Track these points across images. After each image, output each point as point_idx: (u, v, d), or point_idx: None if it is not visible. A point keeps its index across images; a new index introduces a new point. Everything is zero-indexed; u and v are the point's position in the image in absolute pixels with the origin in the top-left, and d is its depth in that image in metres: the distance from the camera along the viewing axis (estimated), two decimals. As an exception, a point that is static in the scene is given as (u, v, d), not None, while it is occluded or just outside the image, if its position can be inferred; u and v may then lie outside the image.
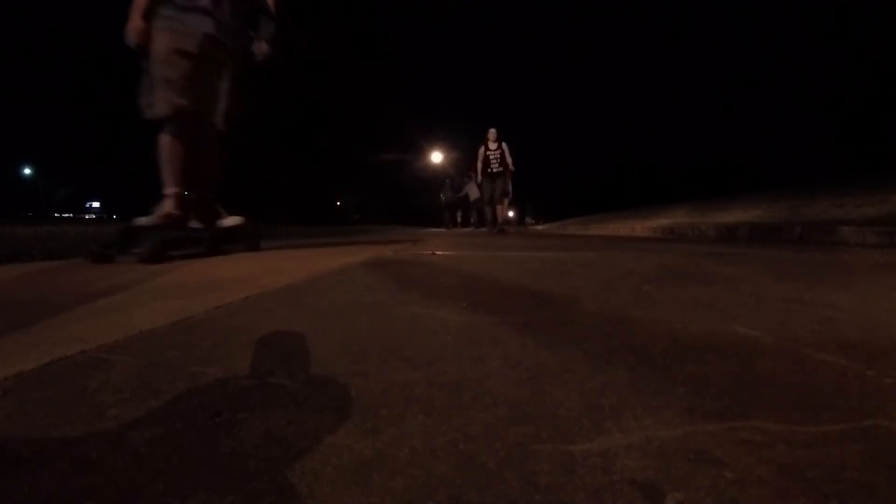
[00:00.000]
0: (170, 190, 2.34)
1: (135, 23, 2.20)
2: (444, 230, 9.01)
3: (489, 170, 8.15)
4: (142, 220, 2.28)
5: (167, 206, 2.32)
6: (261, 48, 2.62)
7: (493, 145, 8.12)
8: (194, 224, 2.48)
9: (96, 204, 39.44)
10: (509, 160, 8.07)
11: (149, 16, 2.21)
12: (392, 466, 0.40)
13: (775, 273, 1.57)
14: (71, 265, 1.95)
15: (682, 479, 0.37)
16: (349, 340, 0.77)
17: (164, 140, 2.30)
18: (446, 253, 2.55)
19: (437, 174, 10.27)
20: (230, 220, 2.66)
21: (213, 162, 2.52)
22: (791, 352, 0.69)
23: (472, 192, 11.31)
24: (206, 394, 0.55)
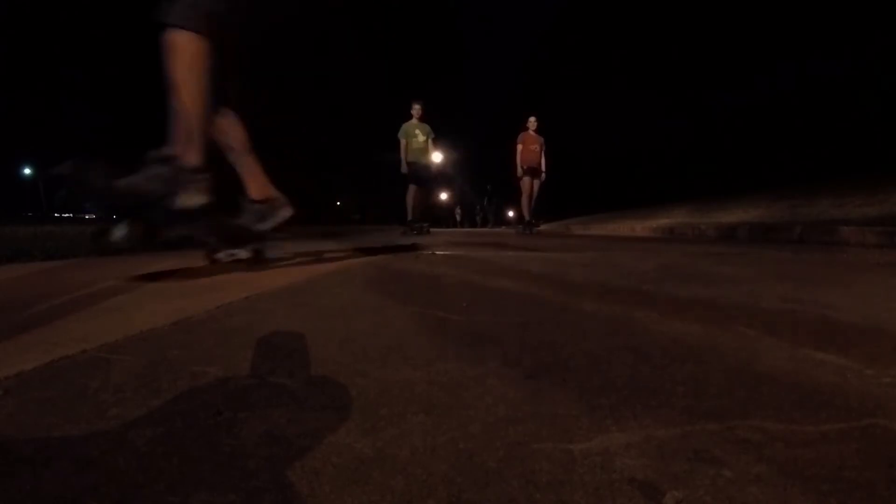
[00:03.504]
0: None
1: None
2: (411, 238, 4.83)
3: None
4: None
5: None
6: None
7: None
8: None
9: (96, 204, 39.39)
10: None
11: None
12: (392, 465, 0.40)
13: (775, 273, 1.57)
14: (71, 265, 1.96)
15: (682, 477, 0.37)
16: (349, 340, 0.77)
17: None
18: (447, 253, 2.55)
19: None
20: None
21: None
22: (790, 351, 0.69)
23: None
24: (206, 393, 0.55)
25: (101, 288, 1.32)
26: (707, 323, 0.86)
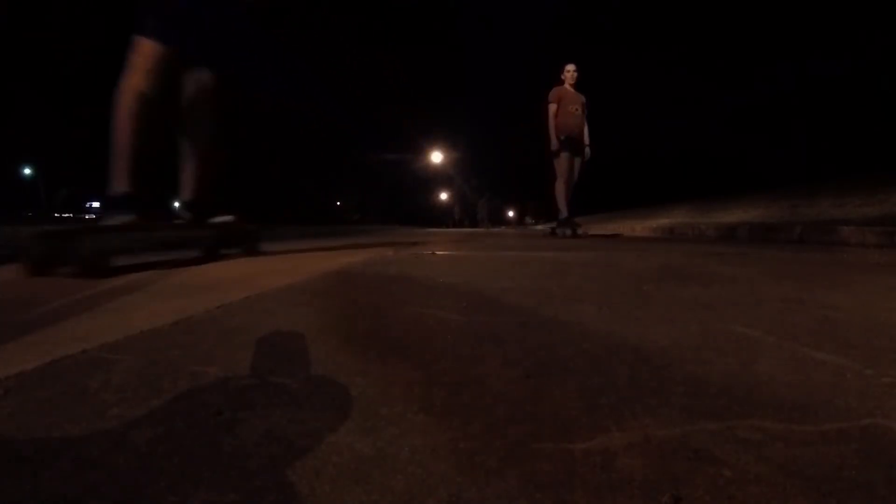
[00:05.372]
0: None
1: None
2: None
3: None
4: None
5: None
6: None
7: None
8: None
9: (96, 204, 39.52)
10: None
11: None
12: (392, 465, 0.40)
13: (775, 273, 1.57)
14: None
15: (681, 477, 0.37)
16: (350, 340, 0.77)
17: None
18: (447, 253, 2.55)
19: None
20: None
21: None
22: (790, 351, 0.69)
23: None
24: (207, 393, 0.55)
25: (103, 289, 1.32)
26: (707, 323, 0.86)
